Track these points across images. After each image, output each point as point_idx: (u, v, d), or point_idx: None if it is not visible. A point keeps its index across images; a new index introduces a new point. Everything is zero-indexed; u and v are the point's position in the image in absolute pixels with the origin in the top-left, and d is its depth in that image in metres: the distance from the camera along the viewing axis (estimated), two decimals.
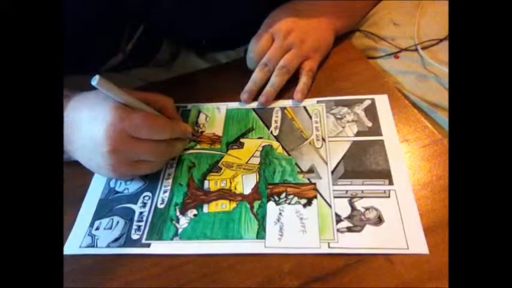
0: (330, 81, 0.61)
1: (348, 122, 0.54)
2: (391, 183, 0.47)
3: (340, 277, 0.41)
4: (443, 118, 0.59)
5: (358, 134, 0.53)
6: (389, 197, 0.46)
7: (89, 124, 0.46)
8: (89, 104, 0.47)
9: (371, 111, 0.55)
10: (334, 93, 0.59)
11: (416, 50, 0.66)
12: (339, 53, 0.65)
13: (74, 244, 0.46)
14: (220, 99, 0.60)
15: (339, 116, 0.55)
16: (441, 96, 0.60)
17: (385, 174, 0.48)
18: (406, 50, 0.66)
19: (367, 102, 0.56)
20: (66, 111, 0.48)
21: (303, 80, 0.59)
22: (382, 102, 0.56)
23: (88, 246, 0.45)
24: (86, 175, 0.52)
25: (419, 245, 0.41)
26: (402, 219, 0.43)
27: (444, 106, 0.60)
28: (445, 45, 0.65)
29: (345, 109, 0.56)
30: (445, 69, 0.61)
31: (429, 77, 0.63)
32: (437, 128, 0.56)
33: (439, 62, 0.62)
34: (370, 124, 0.54)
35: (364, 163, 0.49)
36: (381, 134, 0.52)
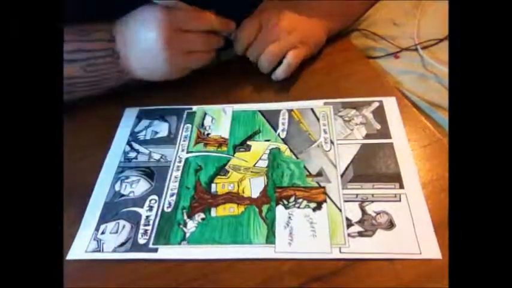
0: (330, 81, 0.60)
1: (356, 124, 0.54)
2: (401, 186, 0.47)
3: (340, 277, 0.41)
4: (443, 118, 0.59)
5: (366, 136, 0.52)
6: (400, 201, 0.45)
7: (140, 28, 0.52)
8: (134, 17, 0.53)
9: (379, 114, 0.55)
10: (334, 93, 0.58)
11: (416, 50, 0.66)
12: (339, 53, 0.65)
13: (79, 249, 0.45)
14: (224, 98, 0.60)
15: (347, 119, 0.55)
16: (441, 96, 0.61)
17: (396, 178, 0.48)
18: (406, 49, 0.66)
19: (375, 105, 0.56)
20: (115, 33, 0.53)
21: (285, 61, 0.59)
22: (390, 104, 0.56)
23: (94, 251, 0.44)
24: (91, 177, 0.51)
25: (432, 250, 0.41)
26: (414, 224, 0.43)
27: (444, 106, 0.60)
28: (445, 45, 0.65)
29: (353, 111, 0.56)
30: (445, 69, 0.62)
31: (429, 77, 0.63)
32: (437, 128, 0.56)
33: (439, 62, 0.63)
34: (378, 127, 0.53)
35: (373, 166, 0.49)
36: (390, 137, 0.52)
